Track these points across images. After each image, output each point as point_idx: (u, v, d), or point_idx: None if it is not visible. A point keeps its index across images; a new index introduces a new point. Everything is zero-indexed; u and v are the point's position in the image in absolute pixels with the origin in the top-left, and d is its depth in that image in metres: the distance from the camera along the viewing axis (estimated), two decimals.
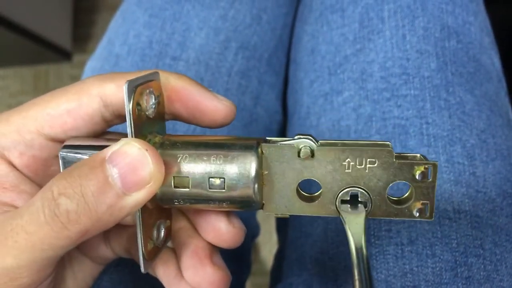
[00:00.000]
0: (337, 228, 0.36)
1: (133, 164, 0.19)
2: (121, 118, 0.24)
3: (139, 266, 0.23)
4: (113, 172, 0.19)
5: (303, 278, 0.37)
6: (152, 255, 0.23)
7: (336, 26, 0.42)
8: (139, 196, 0.19)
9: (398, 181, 0.22)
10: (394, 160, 0.21)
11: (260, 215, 0.51)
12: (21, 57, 1.26)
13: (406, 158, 0.22)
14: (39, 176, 0.24)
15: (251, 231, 0.48)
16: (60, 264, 0.25)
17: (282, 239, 0.49)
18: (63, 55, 1.24)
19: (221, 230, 0.25)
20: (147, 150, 0.19)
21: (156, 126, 0.23)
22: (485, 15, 0.43)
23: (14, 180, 0.24)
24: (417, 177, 0.22)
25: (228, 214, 0.25)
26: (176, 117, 0.25)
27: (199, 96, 0.24)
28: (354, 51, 0.40)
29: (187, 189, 0.22)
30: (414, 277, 0.32)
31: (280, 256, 0.45)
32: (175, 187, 0.22)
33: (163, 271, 0.26)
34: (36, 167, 0.24)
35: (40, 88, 1.31)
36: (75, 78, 1.22)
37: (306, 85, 0.44)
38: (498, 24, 0.46)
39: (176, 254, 0.26)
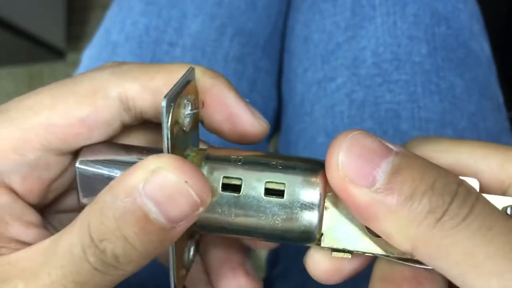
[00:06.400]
0: None
1: (174, 197, 0.16)
2: (144, 121, 0.21)
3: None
4: (152, 208, 0.16)
5: (299, 262, 0.38)
6: (183, 281, 0.20)
7: (328, 14, 0.43)
8: (187, 224, 0.17)
9: None
10: None
11: None
12: (15, 56, 1.25)
13: None
14: (39, 197, 0.20)
15: None
16: None
17: None
18: (57, 54, 1.24)
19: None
20: (186, 181, 0.16)
21: (191, 137, 0.20)
22: (475, 2, 0.44)
23: (17, 211, 0.19)
24: None
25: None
26: (202, 123, 0.22)
27: (236, 108, 0.21)
28: (346, 38, 0.41)
29: (237, 194, 0.18)
30: None
31: None
32: (222, 190, 0.18)
33: (190, 282, 0.23)
34: (40, 189, 0.20)
35: (35, 88, 1.30)
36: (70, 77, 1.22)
37: (300, 74, 0.44)
38: (490, 13, 0.47)
39: (203, 260, 0.23)
